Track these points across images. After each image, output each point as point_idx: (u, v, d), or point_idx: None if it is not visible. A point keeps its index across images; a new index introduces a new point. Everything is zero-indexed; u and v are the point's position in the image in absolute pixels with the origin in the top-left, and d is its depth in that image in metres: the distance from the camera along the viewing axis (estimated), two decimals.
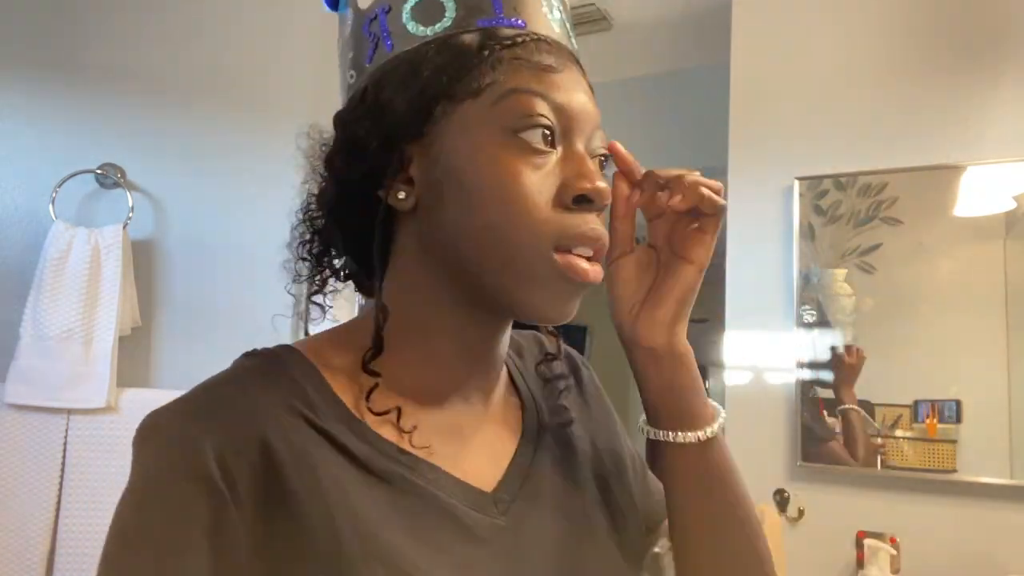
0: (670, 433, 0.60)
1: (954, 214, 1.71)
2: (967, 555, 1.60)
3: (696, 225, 0.59)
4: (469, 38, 0.53)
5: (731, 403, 1.92)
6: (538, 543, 0.57)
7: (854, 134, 1.84)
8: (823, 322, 1.80)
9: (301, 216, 0.62)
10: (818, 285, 1.81)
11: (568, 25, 0.59)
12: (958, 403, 1.65)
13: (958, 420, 1.64)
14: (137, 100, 1.78)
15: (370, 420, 0.54)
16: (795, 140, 1.90)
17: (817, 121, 1.89)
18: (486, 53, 0.52)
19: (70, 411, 1.58)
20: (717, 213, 0.58)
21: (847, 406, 1.74)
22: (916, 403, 1.68)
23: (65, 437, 1.57)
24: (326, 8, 0.65)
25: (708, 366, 6.45)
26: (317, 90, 1.89)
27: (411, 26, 0.55)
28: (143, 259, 1.74)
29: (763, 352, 1.88)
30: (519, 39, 0.53)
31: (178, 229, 1.77)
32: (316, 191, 0.60)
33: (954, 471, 1.63)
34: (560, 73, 0.54)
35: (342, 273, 0.63)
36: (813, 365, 1.80)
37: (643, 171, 0.62)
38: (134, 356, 1.69)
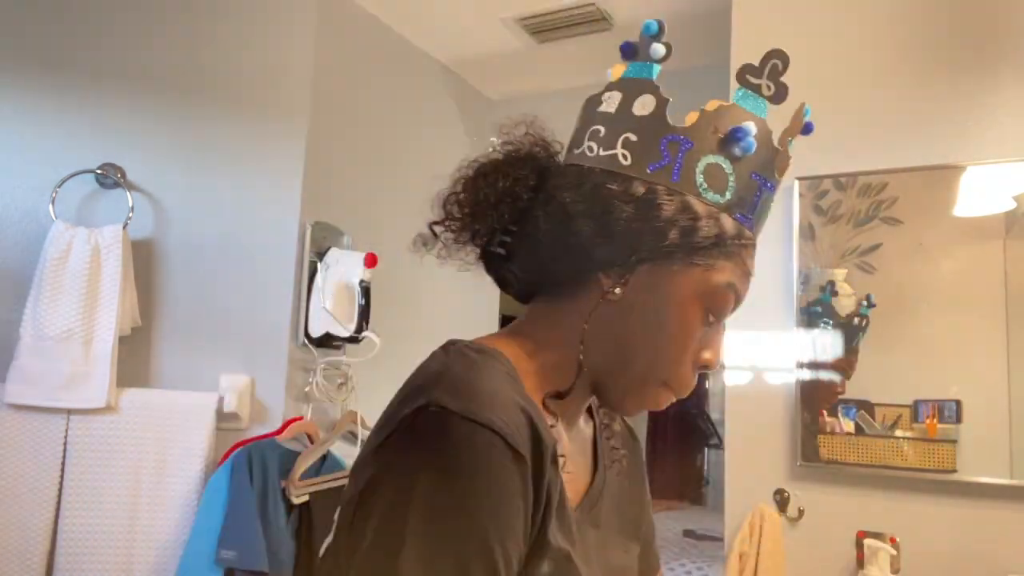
0: None
1: (954, 214, 1.71)
2: (967, 555, 1.60)
3: None
4: (730, 225, 0.65)
5: (731, 403, 1.92)
6: (590, 562, 0.67)
7: (854, 134, 1.84)
8: (825, 322, 1.80)
9: (474, 167, 0.71)
10: (818, 285, 1.81)
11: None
12: (958, 403, 1.65)
13: (958, 420, 1.64)
14: (137, 100, 1.78)
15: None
16: (795, 140, 1.90)
17: (817, 121, 1.88)
18: (732, 244, 0.66)
19: (70, 411, 1.58)
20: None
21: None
22: (916, 403, 1.68)
23: (65, 437, 1.57)
24: (621, 53, 0.72)
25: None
26: (317, 90, 1.89)
27: (699, 180, 0.65)
28: (143, 259, 1.74)
29: (763, 352, 1.88)
30: (748, 243, 0.68)
31: (178, 229, 1.78)
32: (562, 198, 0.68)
33: (954, 471, 1.63)
34: (752, 275, 0.69)
35: (478, 241, 0.72)
36: (813, 365, 1.80)
37: None
38: (134, 356, 1.69)
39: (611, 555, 0.71)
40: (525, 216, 0.69)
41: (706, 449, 6.48)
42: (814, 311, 1.81)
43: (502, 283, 0.75)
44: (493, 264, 0.73)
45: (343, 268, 1.84)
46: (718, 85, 2.08)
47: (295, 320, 1.80)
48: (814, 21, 1.94)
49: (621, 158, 0.66)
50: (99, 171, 1.70)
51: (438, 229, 0.71)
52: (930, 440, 1.66)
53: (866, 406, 1.73)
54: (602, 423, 0.81)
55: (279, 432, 1.70)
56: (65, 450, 1.57)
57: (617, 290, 0.66)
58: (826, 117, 1.89)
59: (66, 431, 1.57)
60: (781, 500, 1.78)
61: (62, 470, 1.56)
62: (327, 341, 1.85)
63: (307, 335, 1.82)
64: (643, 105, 0.67)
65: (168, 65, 1.81)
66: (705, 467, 6.52)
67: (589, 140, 0.69)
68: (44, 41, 1.76)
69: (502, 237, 0.71)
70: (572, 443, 0.72)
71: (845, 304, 1.79)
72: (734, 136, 0.65)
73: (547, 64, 2.72)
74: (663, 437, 6.58)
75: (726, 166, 0.65)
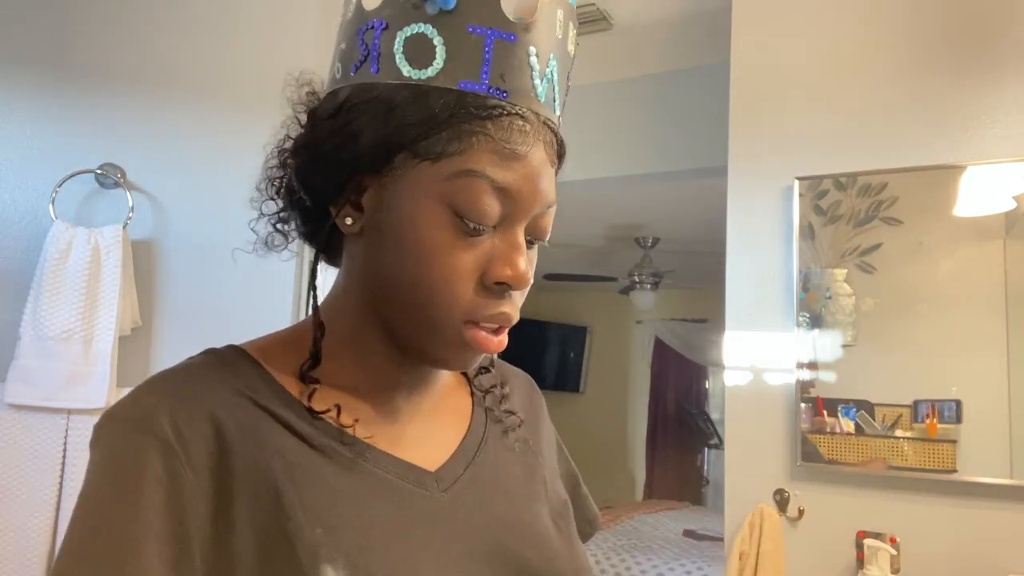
0: None
1: (954, 214, 1.71)
2: (967, 555, 1.60)
3: None
4: (447, 98, 0.54)
5: (731, 403, 1.92)
6: (478, 519, 0.60)
7: (854, 134, 1.84)
8: (822, 322, 1.80)
9: (275, 154, 0.63)
10: (818, 285, 1.81)
11: (556, 89, 0.59)
12: (958, 403, 1.65)
13: (958, 420, 1.64)
14: (137, 100, 1.78)
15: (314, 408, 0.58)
16: (795, 140, 1.90)
17: (817, 121, 1.89)
18: (457, 120, 0.53)
19: (70, 411, 1.58)
20: None
21: None
22: (916, 403, 1.68)
23: (65, 437, 1.57)
24: None
25: (708, 366, 6.48)
26: (317, 90, 1.89)
27: (399, 59, 0.55)
28: (143, 259, 1.74)
29: (763, 352, 1.88)
30: (496, 111, 0.54)
31: (178, 229, 1.77)
32: (291, 143, 0.62)
33: (954, 471, 1.63)
34: (522, 156, 0.55)
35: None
36: (813, 365, 1.80)
37: None
38: (134, 356, 1.69)
39: (499, 512, 0.62)
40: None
41: (706, 449, 6.48)
42: (814, 310, 1.82)
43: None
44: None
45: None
46: (718, 85, 2.08)
47: (295, 320, 1.80)
48: (814, 21, 1.94)
49: (336, 73, 0.60)
50: (99, 171, 1.70)
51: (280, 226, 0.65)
52: (930, 440, 1.66)
53: (866, 406, 1.73)
54: (481, 389, 0.72)
55: None
56: (65, 450, 1.57)
57: (348, 220, 0.57)
58: (826, 117, 1.89)
59: (66, 431, 1.57)
60: (781, 500, 1.78)
61: (62, 470, 1.56)
62: None
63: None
64: (348, 10, 0.60)
65: (168, 65, 1.81)
66: (705, 467, 6.52)
67: (331, 69, 0.61)
68: (44, 41, 1.76)
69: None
70: (415, 408, 0.64)
71: (845, 304, 1.79)
72: None
73: None
74: (663, 437, 6.58)
75: (427, 31, 0.54)
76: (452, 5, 0.54)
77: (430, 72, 0.54)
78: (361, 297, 0.60)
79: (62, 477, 1.56)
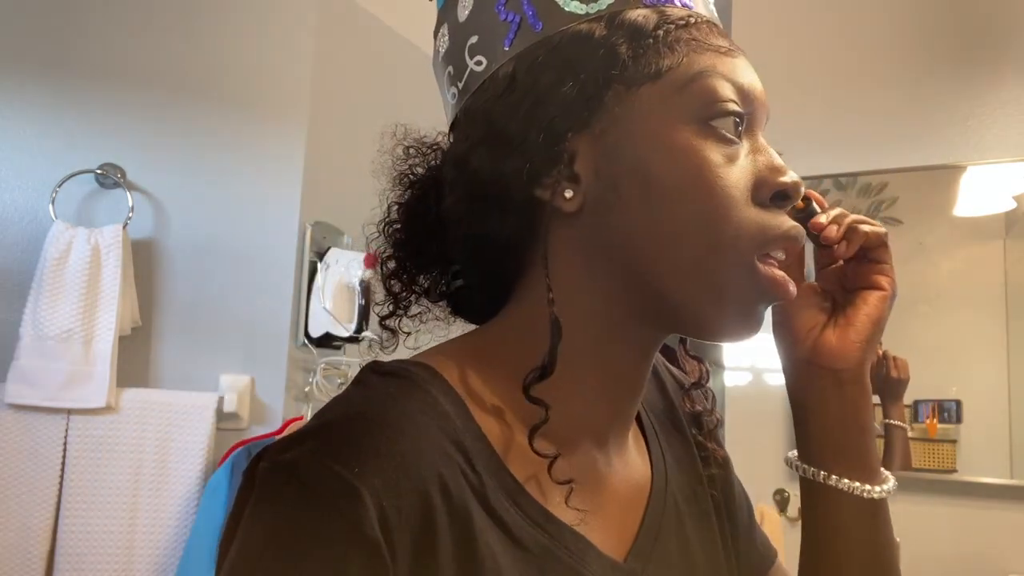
0: (848, 482, 0.53)
1: (954, 214, 1.71)
2: (967, 555, 1.60)
3: (869, 259, 0.57)
4: (641, 15, 0.47)
5: (731, 403, 1.92)
6: None
7: (854, 134, 1.84)
8: None
9: (385, 232, 0.55)
10: None
11: (713, 9, 0.53)
12: (958, 403, 1.65)
13: (958, 420, 1.64)
14: (137, 100, 1.78)
15: (514, 468, 0.46)
16: (795, 140, 1.90)
17: (817, 121, 1.89)
18: (661, 33, 0.46)
19: (70, 411, 1.58)
20: (884, 243, 0.57)
21: (894, 422, 1.70)
22: (916, 403, 1.68)
23: (65, 437, 1.57)
24: None
25: (709, 366, 6.47)
26: (317, 90, 1.89)
27: (563, 2, 0.47)
28: (143, 259, 1.74)
29: (763, 352, 1.88)
30: (691, 19, 0.48)
31: (178, 229, 1.77)
32: (401, 200, 0.55)
33: (954, 471, 1.63)
34: (735, 55, 0.49)
35: (437, 291, 0.56)
36: None
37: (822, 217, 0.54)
38: (134, 356, 1.69)
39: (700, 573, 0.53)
40: (446, 230, 0.53)
41: None
42: None
43: (465, 314, 0.59)
44: (455, 303, 0.58)
45: (343, 268, 1.84)
46: None
47: (295, 320, 1.80)
48: (814, 21, 1.94)
49: (475, 67, 0.50)
50: (99, 171, 1.70)
51: (393, 317, 0.55)
52: (930, 440, 1.66)
53: None
54: (688, 412, 0.61)
55: (279, 432, 1.70)
56: (65, 450, 1.56)
57: (567, 193, 0.47)
58: (826, 117, 1.89)
59: (66, 431, 1.57)
60: (781, 500, 1.78)
61: (62, 470, 1.56)
62: (327, 341, 1.85)
63: (307, 335, 1.82)
64: (464, 5, 0.52)
65: (168, 65, 1.81)
66: None
67: (450, 89, 0.54)
68: (44, 41, 1.76)
69: (453, 269, 0.56)
70: (608, 466, 0.52)
71: None
72: None
73: None
74: None
75: None
76: None
77: (606, 1, 0.48)
78: (588, 289, 0.49)
79: (62, 477, 1.56)
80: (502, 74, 0.48)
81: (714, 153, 0.45)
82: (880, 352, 1.70)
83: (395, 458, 0.40)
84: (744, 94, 0.48)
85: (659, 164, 0.45)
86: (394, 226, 0.55)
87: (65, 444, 1.57)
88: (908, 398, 1.69)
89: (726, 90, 0.46)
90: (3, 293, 1.65)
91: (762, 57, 2.01)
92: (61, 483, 1.56)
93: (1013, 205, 1.66)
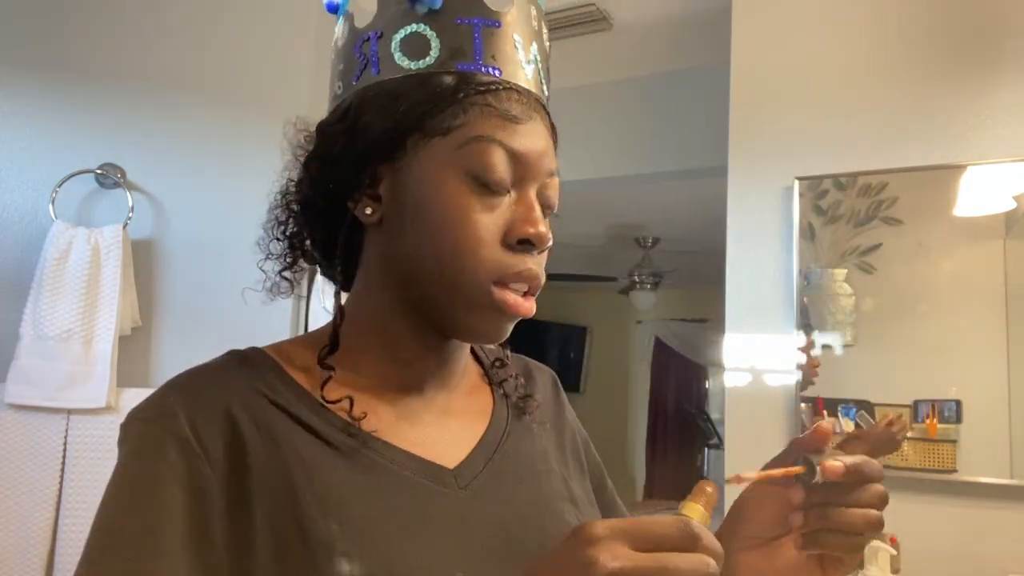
0: None
1: (954, 214, 1.71)
2: (967, 555, 1.60)
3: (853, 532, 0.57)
4: (448, 79, 0.58)
5: (731, 403, 1.92)
6: (498, 515, 0.60)
7: (854, 134, 1.84)
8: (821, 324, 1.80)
9: (279, 199, 0.67)
10: (818, 285, 1.81)
11: (542, 74, 0.64)
12: (958, 403, 1.65)
13: (958, 420, 1.64)
14: (137, 100, 1.78)
15: (331, 407, 0.59)
16: (795, 140, 1.90)
17: (817, 121, 1.89)
18: (460, 96, 0.58)
19: (70, 411, 1.58)
20: (878, 523, 0.57)
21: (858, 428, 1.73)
22: (916, 403, 1.68)
23: (65, 437, 1.57)
24: (326, 10, 0.69)
25: (708, 366, 6.47)
26: (316, 90, 1.89)
27: (398, 57, 0.60)
28: (143, 259, 1.74)
29: (763, 352, 1.88)
30: (493, 87, 0.59)
31: (178, 229, 1.78)
32: (295, 179, 0.66)
33: (954, 471, 1.63)
34: (524, 123, 0.59)
35: (313, 256, 0.68)
36: (813, 365, 1.80)
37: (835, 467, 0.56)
38: (134, 356, 1.69)
39: (519, 508, 0.62)
40: (295, 217, 0.67)
41: (706, 449, 6.48)
42: (814, 310, 1.82)
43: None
44: (330, 276, 0.70)
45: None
46: (718, 85, 2.08)
47: (295, 320, 1.80)
48: (814, 21, 1.94)
49: (336, 91, 0.64)
50: (99, 171, 1.70)
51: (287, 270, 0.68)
52: (930, 440, 1.66)
53: (866, 406, 1.73)
54: (497, 380, 0.73)
55: None
56: (65, 450, 1.57)
57: (368, 210, 0.60)
58: (826, 117, 1.89)
59: (66, 431, 1.57)
60: None
61: (62, 470, 1.56)
62: None
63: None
64: (341, 34, 0.65)
65: (168, 65, 1.81)
66: (705, 467, 6.51)
67: (331, 93, 0.66)
68: (44, 41, 1.76)
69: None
70: (437, 407, 0.65)
71: (845, 304, 1.79)
72: None
73: None
74: (663, 437, 6.58)
75: (420, 28, 0.59)
76: (439, 4, 0.59)
77: (428, 61, 0.59)
78: (385, 285, 0.62)
79: (62, 477, 1.56)
80: (345, 103, 0.62)
81: (473, 201, 0.57)
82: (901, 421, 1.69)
83: (206, 391, 0.56)
84: (518, 158, 0.58)
85: (430, 202, 0.58)
86: (291, 201, 0.66)
87: (65, 444, 1.57)
88: (908, 398, 1.69)
89: (494, 156, 0.57)
90: (3, 293, 1.65)
91: (762, 57, 2.02)
92: (61, 483, 1.56)
93: (1013, 205, 1.66)
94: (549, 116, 0.64)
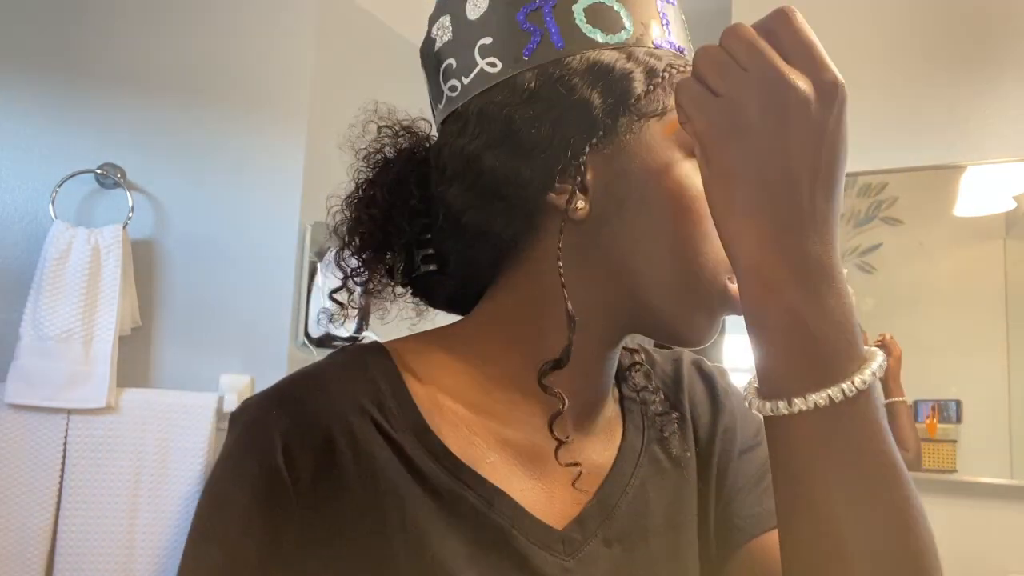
0: (770, 404, 0.44)
1: (954, 214, 1.71)
2: (967, 555, 1.60)
3: None
4: (653, 55, 0.53)
5: None
6: None
7: (854, 134, 1.83)
8: None
9: (353, 210, 0.59)
10: None
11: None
12: (958, 403, 1.65)
13: (958, 420, 1.64)
14: (137, 100, 1.78)
15: (443, 435, 0.52)
16: None
17: None
18: (668, 75, 0.52)
19: (70, 411, 1.57)
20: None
21: (895, 399, 1.69)
22: (916, 403, 1.68)
23: (65, 437, 1.57)
24: None
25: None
26: (317, 90, 1.89)
27: (586, 28, 0.52)
28: (143, 259, 1.74)
29: None
30: (686, 67, 0.53)
31: (178, 229, 1.77)
32: (407, 180, 0.57)
33: (954, 471, 1.63)
34: None
35: (402, 273, 0.59)
36: None
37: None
38: (134, 356, 1.69)
39: (658, 559, 0.54)
40: (430, 214, 0.57)
41: None
42: None
43: (431, 298, 0.63)
44: (422, 287, 0.62)
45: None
46: None
47: (295, 320, 1.80)
48: (814, 22, 1.94)
49: (488, 68, 0.53)
50: (99, 171, 1.70)
51: (344, 292, 0.60)
52: (930, 440, 1.66)
53: None
54: (635, 389, 0.62)
55: None
56: (65, 450, 1.56)
57: (579, 203, 0.51)
58: None
59: (66, 431, 1.57)
60: None
61: (62, 470, 1.56)
62: (327, 341, 1.85)
63: (307, 335, 1.82)
64: (476, 5, 0.54)
65: (168, 65, 1.81)
66: None
67: (449, 81, 0.56)
68: (44, 41, 1.76)
69: (422, 253, 0.59)
70: (586, 433, 0.56)
71: None
72: None
73: None
74: None
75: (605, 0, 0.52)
76: None
77: (624, 36, 0.52)
78: (577, 286, 0.52)
79: (62, 477, 1.56)
80: (522, 82, 0.52)
81: (697, 176, 0.49)
82: (882, 337, 1.70)
83: (305, 407, 0.50)
84: None
85: (657, 190, 0.51)
86: (367, 203, 0.58)
87: (65, 444, 1.57)
88: (908, 398, 1.69)
89: None
90: (3, 293, 1.65)
91: None
92: (61, 483, 1.56)
93: (1013, 205, 1.66)
94: None
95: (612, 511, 0.55)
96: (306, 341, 1.81)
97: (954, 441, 1.64)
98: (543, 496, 0.53)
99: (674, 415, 0.62)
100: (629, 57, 0.52)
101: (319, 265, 1.84)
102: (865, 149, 1.81)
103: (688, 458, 0.61)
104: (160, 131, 1.79)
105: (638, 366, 0.64)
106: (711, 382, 0.67)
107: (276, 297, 1.79)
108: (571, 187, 0.51)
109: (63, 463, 1.56)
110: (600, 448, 0.58)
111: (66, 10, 1.78)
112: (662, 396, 0.63)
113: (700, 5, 2.35)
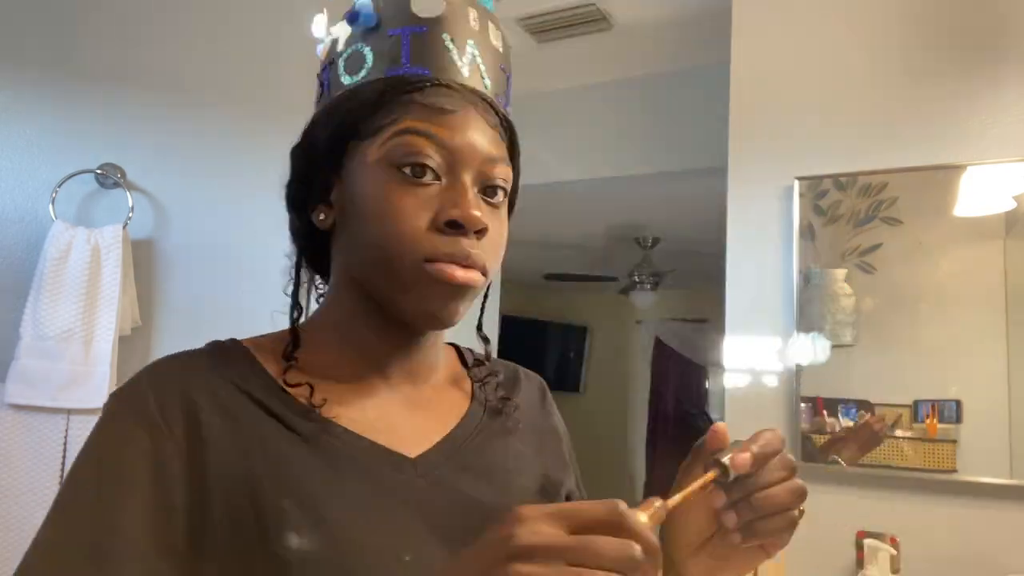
0: None
1: (954, 214, 1.71)
2: (967, 555, 1.60)
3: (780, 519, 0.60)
4: (377, 85, 0.62)
5: (731, 403, 1.92)
6: (456, 504, 0.62)
7: (854, 134, 1.84)
8: (822, 324, 1.80)
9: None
10: (818, 285, 1.81)
11: (483, 69, 0.65)
12: (958, 403, 1.65)
13: (958, 420, 1.64)
14: (137, 100, 1.78)
15: (296, 393, 0.62)
16: (795, 140, 1.90)
17: (817, 121, 1.89)
18: (387, 98, 0.61)
19: (70, 411, 1.58)
20: (791, 524, 0.61)
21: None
22: (916, 403, 1.68)
23: (65, 437, 1.57)
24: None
25: (708, 366, 6.47)
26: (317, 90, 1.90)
27: (343, 76, 0.65)
28: (143, 259, 1.74)
29: (763, 352, 1.88)
30: (419, 84, 0.62)
31: (178, 229, 1.78)
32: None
33: (954, 471, 1.63)
34: (453, 114, 0.61)
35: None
36: (813, 365, 1.80)
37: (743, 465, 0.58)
38: (134, 356, 1.69)
39: (481, 500, 0.63)
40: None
41: None
42: (814, 310, 1.82)
43: None
44: None
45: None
46: (718, 85, 2.08)
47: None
48: (814, 21, 1.94)
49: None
50: (99, 171, 1.70)
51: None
52: (930, 440, 1.66)
53: (866, 406, 1.73)
54: (475, 379, 0.75)
55: None
56: (65, 450, 1.57)
57: (321, 216, 0.66)
58: (826, 117, 1.89)
59: (66, 431, 1.57)
60: None
61: (62, 470, 1.56)
62: None
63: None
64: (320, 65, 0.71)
65: (168, 65, 1.81)
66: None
67: None
68: (44, 41, 1.76)
69: None
70: (404, 399, 0.67)
71: (845, 304, 1.79)
72: (351, 20, 0.66)
73: (547, 64, 2.72)
74: (663, 437, 6.57)
75: (359, 47, 0.65)
76: (374, 22, 0.64)
77: (362, 74, 0.64)
78: (344, 283, 0.67)
79: (62, 477, 1.56)
80: (306, 128, 0.68)
81: (400, 191, 0.60)
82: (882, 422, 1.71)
83: (174, 374, 0.61)
84: (447, 146, 0.60)
85: (364, 196, 0.62)
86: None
87: (65, 444, 1.57)
88: (908, 398, 1.69)
89: (419, 145, 0.60)
90: (3, 293, 1.65)
91: (762, 58, 2.01)
92: (61, 483, 1.56)
93: (1013, 205, 1.66)
94: (496, 109, 0.65)
95: (459, 448, 0.66)
96: None
97: (954, 441, 1.64)
98: (394, 437, 0.64)
99: (513, 400, 0.75)
100: (354, 92, 0.63)
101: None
102: (865, 149, 1.81)
103: (524, 431, 0.73)
104: (160, 131, 1.79)
105: (478, 363, 0.77)
106: (541, 385, 0.83)
107: (275, 296, 1.79)
108: (315, 203, 0.66)
109: (63, 463, 1.56)
110: (443, 415, 0.69)
111: (66, 10, 1.78)
112: (502, 384, 0.76)
113: (700, 5, 2.35)
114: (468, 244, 0.60)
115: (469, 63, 0.64)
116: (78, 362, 1.58)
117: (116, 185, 1.72)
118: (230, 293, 1.78)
